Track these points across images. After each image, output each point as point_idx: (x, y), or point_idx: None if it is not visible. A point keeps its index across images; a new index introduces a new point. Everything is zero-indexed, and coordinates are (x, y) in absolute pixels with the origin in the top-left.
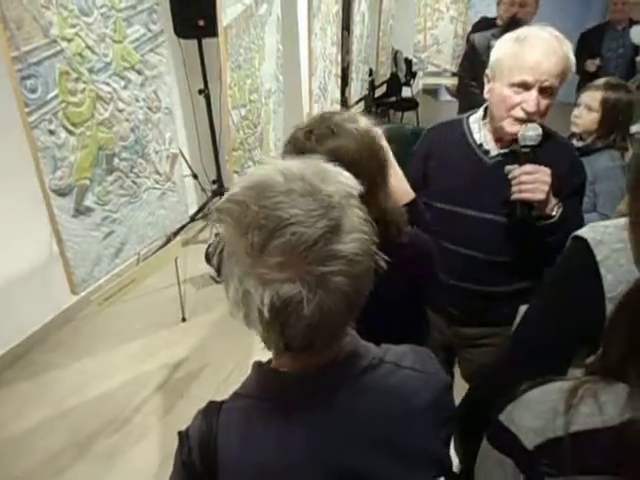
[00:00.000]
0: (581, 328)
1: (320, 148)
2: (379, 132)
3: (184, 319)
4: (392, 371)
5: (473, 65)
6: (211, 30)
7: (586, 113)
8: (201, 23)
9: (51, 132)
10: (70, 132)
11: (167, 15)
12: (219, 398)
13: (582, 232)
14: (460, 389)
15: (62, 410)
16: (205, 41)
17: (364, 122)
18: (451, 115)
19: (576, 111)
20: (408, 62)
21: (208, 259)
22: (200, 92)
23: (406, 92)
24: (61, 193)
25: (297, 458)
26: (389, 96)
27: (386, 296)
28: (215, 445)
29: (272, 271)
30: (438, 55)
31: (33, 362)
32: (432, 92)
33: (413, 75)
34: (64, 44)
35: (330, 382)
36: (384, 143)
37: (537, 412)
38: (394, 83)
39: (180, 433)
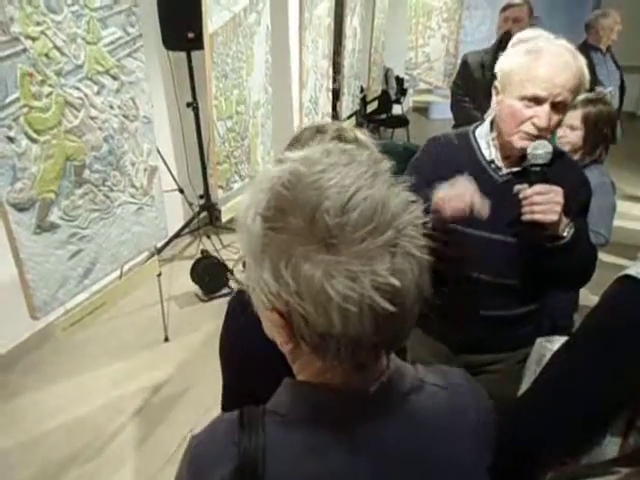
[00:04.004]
0: (635, 383)
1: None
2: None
3: (167, 339)
4: (435, 394)
5: (465, 82)
6: (200, 43)
7: (570, 132)
8: (190, 35)
9: (10, 139)
10: (33, 140)
11: (155, 28)
12: (202, 425)
13: (637, 273)
14: None
15: (33, 437)
16: (194, 54)
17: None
18: (442, 132)
19: (560, 132)
20: (399, 80)
21: (194, 277)
22: (188, 105)
23: (397, 110)
24: (20, 208)
25: None
26: (380, 113)
27: None
28: (263, 467)
29: (361, 243)
30: (430, 72)
31: (6, 384)
32: (422, 110)
33: (403, 93)
34: (28, 43)
35: (374, 407)
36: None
37: None
38: (385, 100)
39: (191, 450)
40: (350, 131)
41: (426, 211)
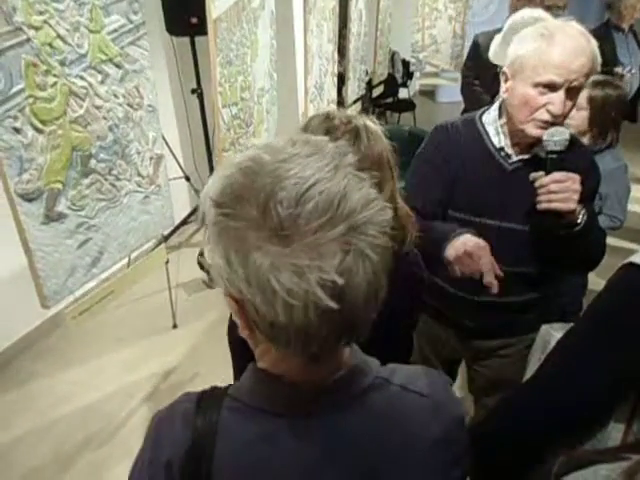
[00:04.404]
0: (635, 372)
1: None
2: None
3: (175, 326)
4: (398, 395)
5: (476, 65)
6: (204, 28)
7: (575, 112)
8: (194, 20)
9: (16, 130)
10: (39, 130)
11: (158, 13)
12: None
13: None
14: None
15: (46, 422)
16: (198, 39)
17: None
18: (448, 116)
19: None
20: (405, 63)
21: (201, 264)
22: (193, 92)
23: (403, 93)
24: (29, 198)
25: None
26: (386, 97)
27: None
28: (212, 450)
29: (312, 234)
30: (436, 55)
31: (18, 370)
32: (429, 94)
33: (410, 76)
34: (31, 32)
35: (330, 400)
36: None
37: None
38: (391, 84)
39: (152, 427)
40: (359, 119)
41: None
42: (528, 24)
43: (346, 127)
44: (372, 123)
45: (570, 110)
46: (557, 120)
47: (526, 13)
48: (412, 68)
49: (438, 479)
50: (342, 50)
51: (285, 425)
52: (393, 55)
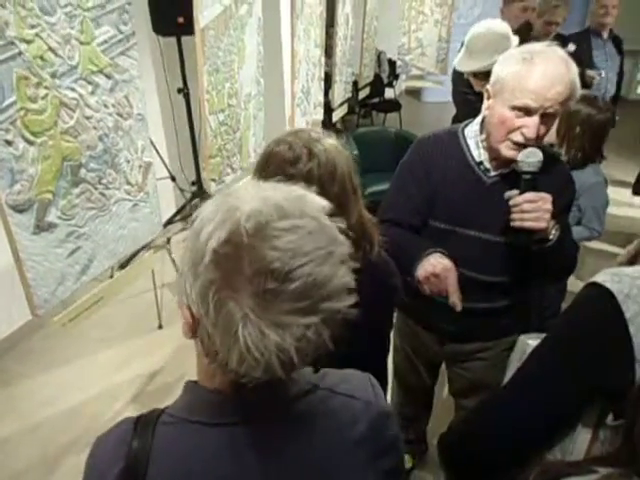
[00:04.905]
0: (601, 385)
1: (311, 161)
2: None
3: (161, 326)
4: (325, 398)
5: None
6: (190, 28)
7: None
8: (180, 20)
9: (8, 142)
10: (30, 142)
11: (144, 13)
12: None
13: (604, 281)
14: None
15: (31, 424)
16: (185, 39)
17: (332, 140)
18: (434, 117)
19: None
20: (391, 63)
21: None
22: (179, 91)
23: (389, 93)
24: (20, 209)
25: None
26: (372, 97)
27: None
28: (146, 468)
29: (287, 315)
30: (422, 58)
31: (1, 371)
32: (415, 93)
33: (396, 77)
34: (23, 46)
35: (261, 409)
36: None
37: None
38: (377, 84)
39: (90, 450)
40: (319, 144)
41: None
42: (486, 36)
43: (308, 157)
44: (333, 146)
45: (544, 134)
46: (530, 143)
47: (487, 24)
48: (398, 71)
49: (365, 472)
50: (329, 51)
51: (215, 435)
52: (379, 55)
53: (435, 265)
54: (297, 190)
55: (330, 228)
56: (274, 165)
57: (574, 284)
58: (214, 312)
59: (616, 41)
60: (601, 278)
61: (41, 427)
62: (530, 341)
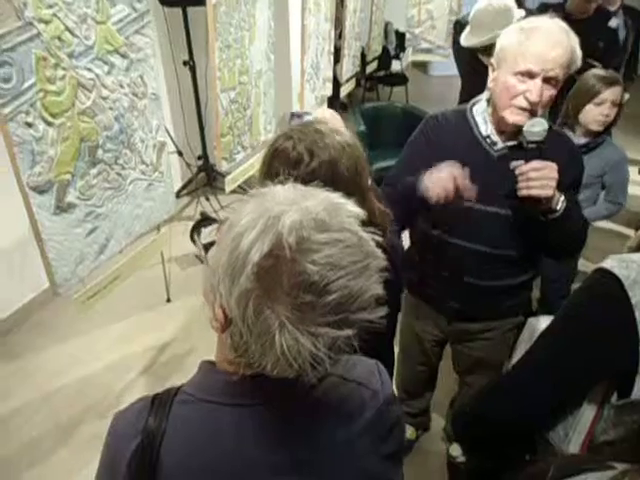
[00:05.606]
0: (607, 367)
1: (312, 162)
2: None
3: (169, 300)
4: (337, 385)
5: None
6: None
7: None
8: None
9: (28, 124)
10: (49, 123)
11: None
12: None
13: (612, 267)
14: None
15: (44, 394)
16: (190, 10)
17: (341, 136)
18: (441, 91)
19: (606, 110)
20: (400, 35)
21: (193, 239)
22: (185, 64)
23: (395, 65)
24: (41, 190)
25: (245, 467)
26: (379, 70)
27: None
28: (159, 445)
29: (322, 326)
30: (432, 31)
31: (14, 343)
32: (421, 66)
33: (403, 49)
34: (41, 27)
35: (282, 393)
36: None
37: None
38: (384, 56)
39: (110, 424)
40: (322, 142)
41: (414, 191)
42: (487, 10)
43: (310, 158)
44: (340, 144)
45: (548, 101)
46: (534, 107)
47: (493, 1)
48: (407, 44)
49: (370, 458)
50: (337, 24)
51: (231, 418)
52: (386, 26)
53: (439, 169)
54: (334, 198)
55: (367, 241)
56: (278, 162)
57: (583, 264)
58: (251, 318)
59: (625, 17)
60: (609, 264)
61: (54, 397)
62: (539, 323)
